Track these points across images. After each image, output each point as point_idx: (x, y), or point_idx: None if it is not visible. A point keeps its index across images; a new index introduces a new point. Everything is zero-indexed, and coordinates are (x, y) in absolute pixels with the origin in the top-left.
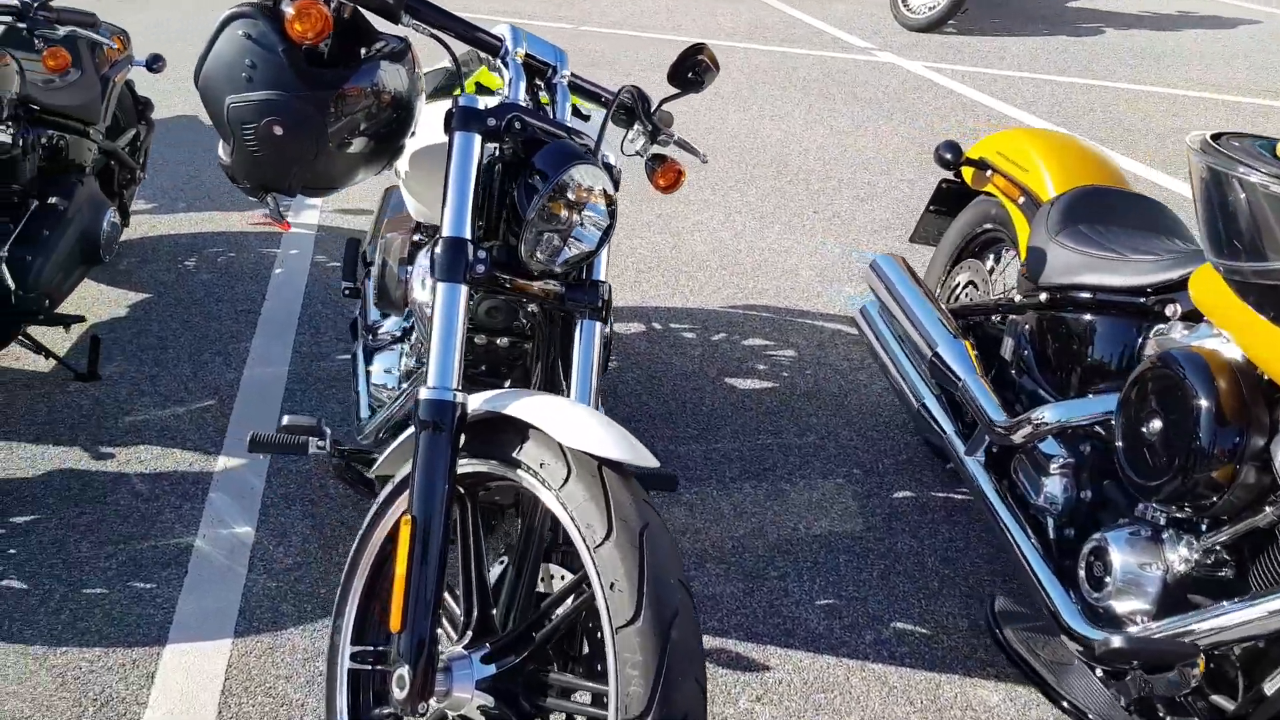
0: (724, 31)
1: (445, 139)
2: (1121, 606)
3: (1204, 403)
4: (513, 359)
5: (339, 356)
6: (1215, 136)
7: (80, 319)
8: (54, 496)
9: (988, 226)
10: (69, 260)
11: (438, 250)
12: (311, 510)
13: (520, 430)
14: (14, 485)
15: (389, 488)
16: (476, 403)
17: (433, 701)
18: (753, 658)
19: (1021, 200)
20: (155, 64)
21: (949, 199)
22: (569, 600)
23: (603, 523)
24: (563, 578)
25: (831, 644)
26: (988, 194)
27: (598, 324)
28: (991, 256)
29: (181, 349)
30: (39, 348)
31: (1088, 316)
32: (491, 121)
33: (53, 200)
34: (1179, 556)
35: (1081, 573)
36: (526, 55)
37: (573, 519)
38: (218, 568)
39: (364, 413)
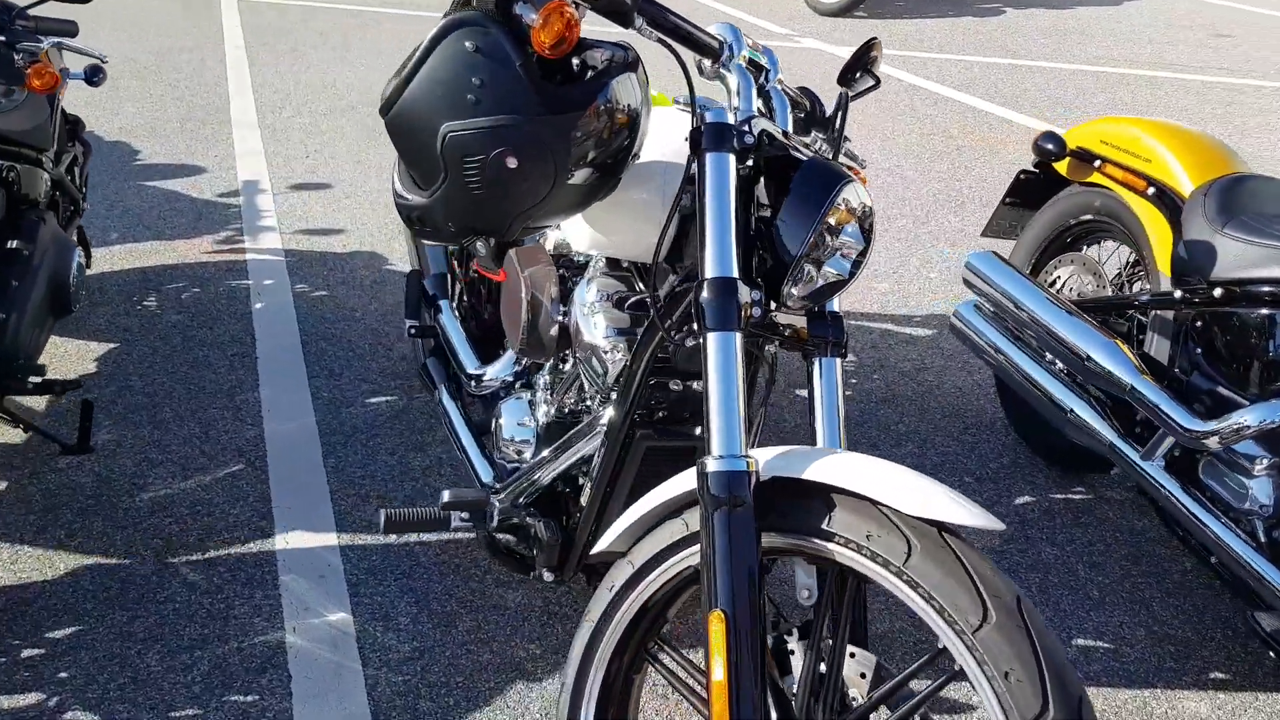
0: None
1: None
2: None
3: None
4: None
5: (369, 401)
6: None
7: (76, 384)
8: (91, 601)
9: (1087, 219)
10: (41, 313)
11: (705, 295)
12: (409, 585)
13: (822, 496)
14: (36, 592)
15: (624, 574)
16: (761, 465)
17: None
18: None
19: (1150, 191)
20: (95, 77)
21: (1027, 190)
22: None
23: (974, 602)
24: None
25: None
26: (1090, 185)
27: (838, 360)
28: (1090, 249)
29: (179, 406)
30: (17, 420)
31: (1273, 311)
32: (748, 139)
33: (15, 244)
34: None
35: None
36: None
37: (931, 599)
38: (326, 666)
39: (485, 476)
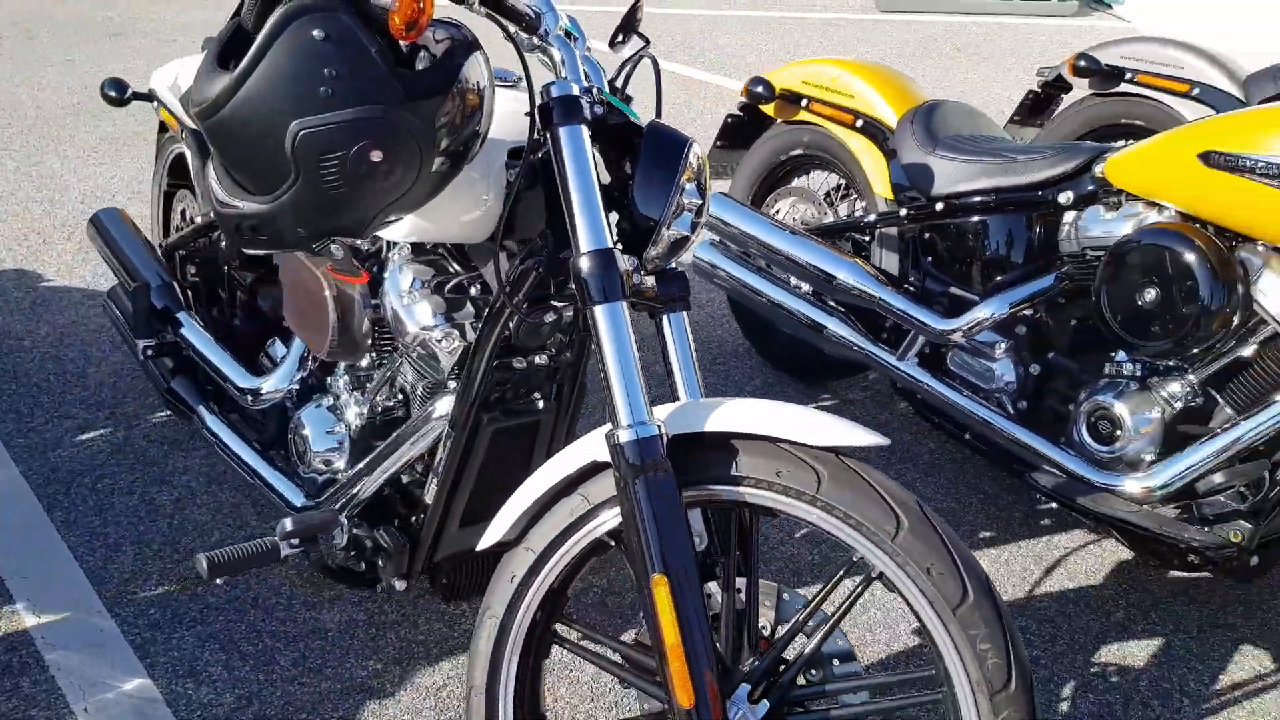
0: None
1: None
2: (1135, 450)
3: (1197, 267)
4: (548, 377)
5: (80, 439)
6: None
7: None
8: None
9: (797, 153)
10: None
11: (585, 269)
12: (205, 631)
13: (725, 444)
14: None
15: (524, 562)
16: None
17: None
18: None
19: (859, 124)
20: None
21: (734, 133)
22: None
23: (887, 514)
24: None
25: None
26: (796, 122)
27: (685, 313)
28: (800, 180)
29: None
30: None
31: (985, 217)
32: (597, 110)
33: None
34: (1172, 395)
35: (1084, 433)
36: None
37: (848, 518)
38: None
39: (293, 496)
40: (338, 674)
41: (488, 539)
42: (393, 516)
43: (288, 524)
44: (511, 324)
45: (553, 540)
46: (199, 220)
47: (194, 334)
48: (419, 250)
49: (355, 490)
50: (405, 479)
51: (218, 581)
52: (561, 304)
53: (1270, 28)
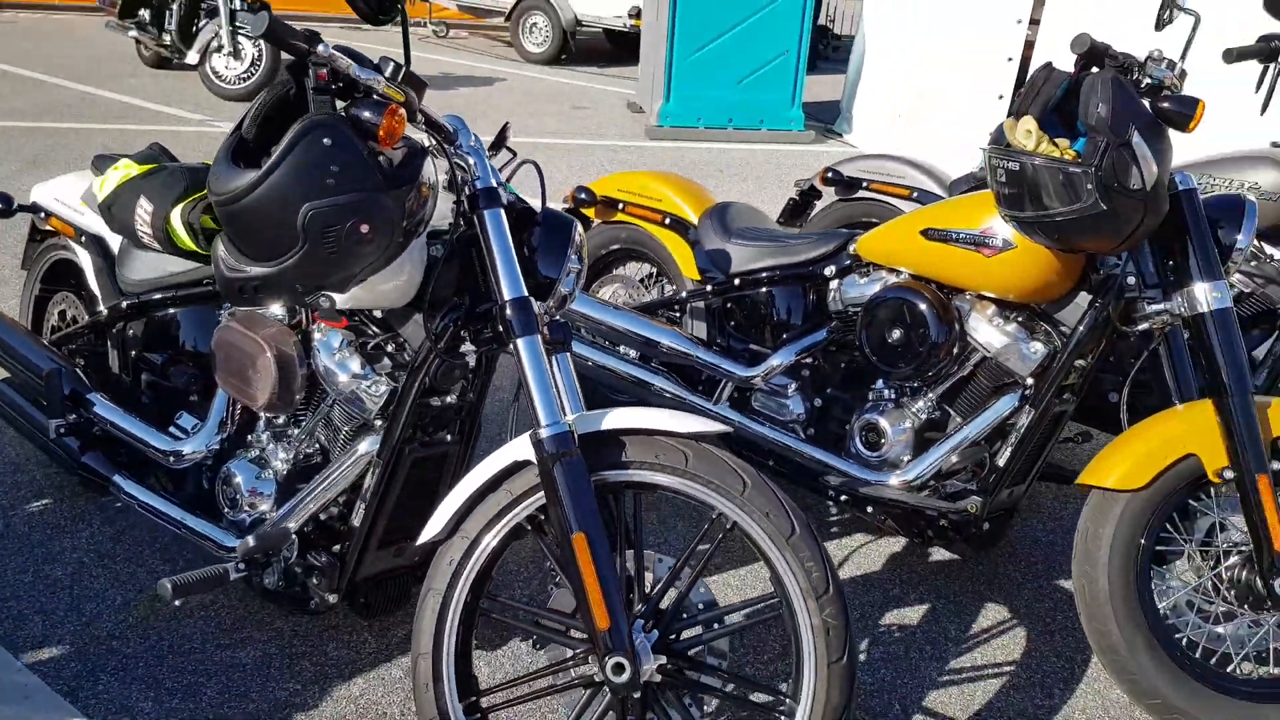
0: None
1: None
2: (895, 453)
3: (926, 313)
4: (455, 414)
5: (31, 508)
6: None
7: None
8: None
9: (616, 247)
10: None
11: (509, 312)
12: (130, 675)
13: (614, 439)
14: None
15: (460, 547)
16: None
17: (644, 673)
18: None
19: (667, 221)
20: None
21: None
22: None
23: (736, 478)
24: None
25: None
26: (615, 222)
27: (569, 354)
28: (621, 268)
29: None
30: None
31: (771, 289)
32: (509, 199)
33: None
34: (918, 409)
35: (858, 445)
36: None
37: (710, 483)
38: None
39: (226, 540)
40: (262, 696)
41: (428, 533)
42: (318, 545)
43: (250, 541)
44: (431, 370)
45: (483, 527)
46: (86, 319)
47: (108, 410)
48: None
49: (288, 524)
50: (323, 516)
51: (176, 603)
52: (473, 350)
53: (957, 144)
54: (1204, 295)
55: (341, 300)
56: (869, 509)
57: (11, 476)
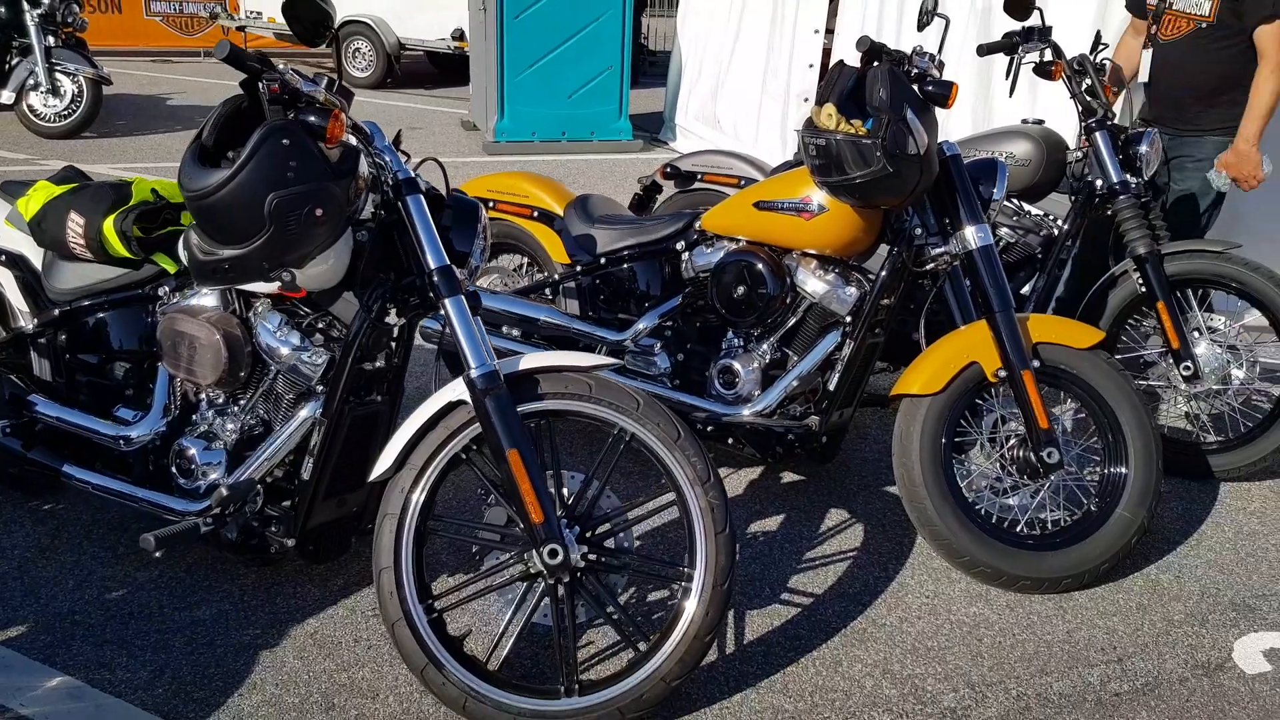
0: None
1: None
2: (747, 389)
3: (764, 271)
4: (383, 377)
5: None
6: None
7: None
8: None
9: (491, 241)
10: None
11: (437, 278)
12: (101, 638)
13: (530, 378)
14: None
15: (409, 476)
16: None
17: (573, 558)
18: None
19: (535, 214)
20: None
21: None
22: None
23: (631, 399)
24: None
25: None
26: (492, 219)
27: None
28: (495, 260)
29: None
30: None
31: (633, 265)
32: (424, 185)
33: None
34: (763, 352)
35: (718, 386)
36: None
37: (611, 404)
38: (80, 712)
39: (185, 507)
40: (226, 641)
41: (379, 468)
42: (272, 500)
43: (223, 491)
44: (364, 338)
45: (426, 459)
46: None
47: (52, 408)
48: (276, 300)
49: (253, 476)
50: (270, 479)
51: (157, 555)
52: (398, 321)
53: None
54: (972, 236)
55: (274, 286)
56: (730, 439)
57: None
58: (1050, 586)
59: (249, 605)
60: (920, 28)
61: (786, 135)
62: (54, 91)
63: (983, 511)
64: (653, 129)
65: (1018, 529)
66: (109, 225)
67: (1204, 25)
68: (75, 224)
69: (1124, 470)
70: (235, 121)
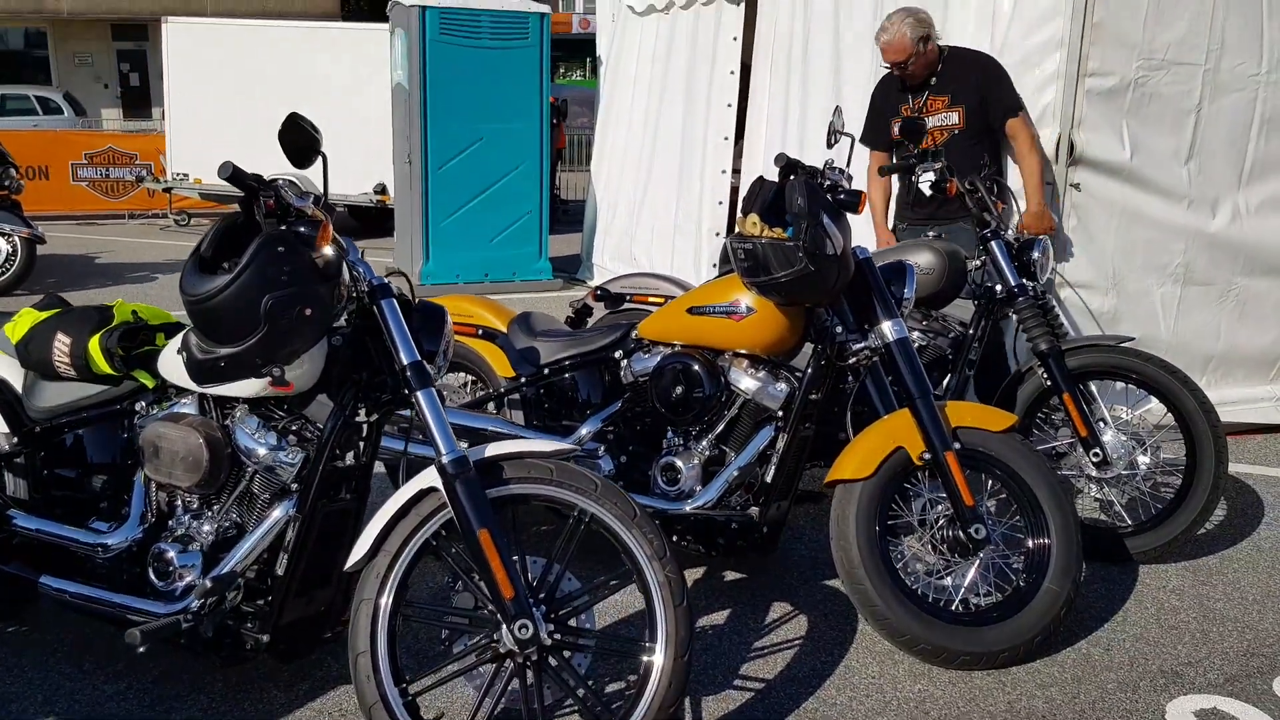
0: None
1: None
2: (688, 485)
3: (700, 372)
4: (352, 475)
5: None
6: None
7: None
8: None
9: None
10: None
11: (410, 373)
12: None
13: (495, 464)
14: None
15: (383, 562)
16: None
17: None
18: None
19: (480, 332)
20: None
21: None
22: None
23: (589, 481)
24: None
25: None
26: None
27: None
28: (445, 379)
29: None
30: None
31: (575, 374)
32: (396, 291)
33: None
34: (702, 449)
35: (660, 483)
36: None
37: (573, 486)
38: None
39: (163, 609)
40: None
41: (354, 558)
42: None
43: (206, 584)
44: (338, 436)
45: (400, 544)
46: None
47: (30, 521)
48: (253, 405)
49: (234, 570)
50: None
51: (140, 650)
52: (367, 420)
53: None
54: (889, 330)
55: (253, 390)
56: (674, 535)
57: None
58: (989, 661)
59: (218, 712)
60: (829, 145)
61: (700, 268)
62: None
63: (919, 591)
64: (571, 269)
65: (952, 607)
66: (94, 344)
67: (957, 133)
68: (62, 344)
69: (1047, 541)
70: (231, 236)
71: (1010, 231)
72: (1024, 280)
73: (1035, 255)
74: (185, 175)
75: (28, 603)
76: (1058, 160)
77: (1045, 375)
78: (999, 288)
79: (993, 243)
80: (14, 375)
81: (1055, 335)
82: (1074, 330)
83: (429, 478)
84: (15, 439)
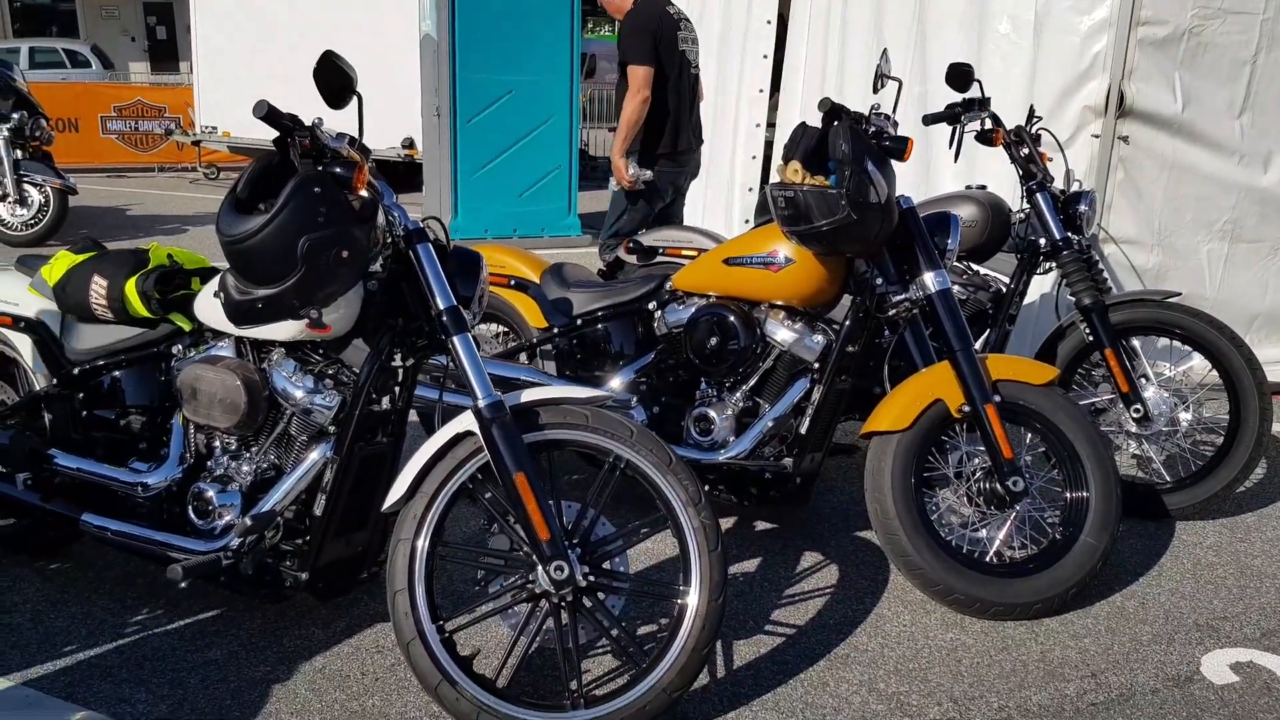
0: None
1: None
2: (721, 436)
3: (735, 323)
4: (387, 419)
5: None
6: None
7: None
8: None
9: None
10: None
11: (446, 318)
12: (108, 680)
13: (531, 410)
14: None
15: (420, 504)
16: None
17: (576, 576)
18: None
19: (512, 283)
20: None
21: None
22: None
23: (625, 428)
24: None
25: None
26: None
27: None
28: (478, 329)
29: None
30: None
31: (608, 324)
32: (432, 236)
33: None
34: (735, 400)
35: (694, 434)
36: None
37: (608, 432)
38: None
39: (204, 547)
40: (239, 677)
41: (392, 496)
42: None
43: (246, 522)
44: (373, 380)
45: (437, 487)
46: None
47: (71, 460)
48: (290, 348)
49: (261, 522)
50: (284, 516)
51: (182, 585)
52: (402, 365)
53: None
54: (930, 281)
55: (290, 333)
56: (706, 483)
57: None
58: (1022, 612)
59: (257, 646)
60: (875, 89)
61: (732, 223)
62: (21, 202)
63: (954, 543)
64: (599, 226)
65: (987, 559)
66: (130, 287)
67: None
68: (99, 286)
69: (1085, 495)
70: (266, 177)
71: (1056, 183)
72: (1069, 233)
73: (1082, 208)
74: (214, 128)
75: (70, 541)
76: (1106, 112)
77: (1088, 330)
78: (1043, 241)
79: (1038, 195)
80: (51, 318)
81: (1099, 290)
82: (1117, 286)
83: (465, 421)
84: (54, 380)
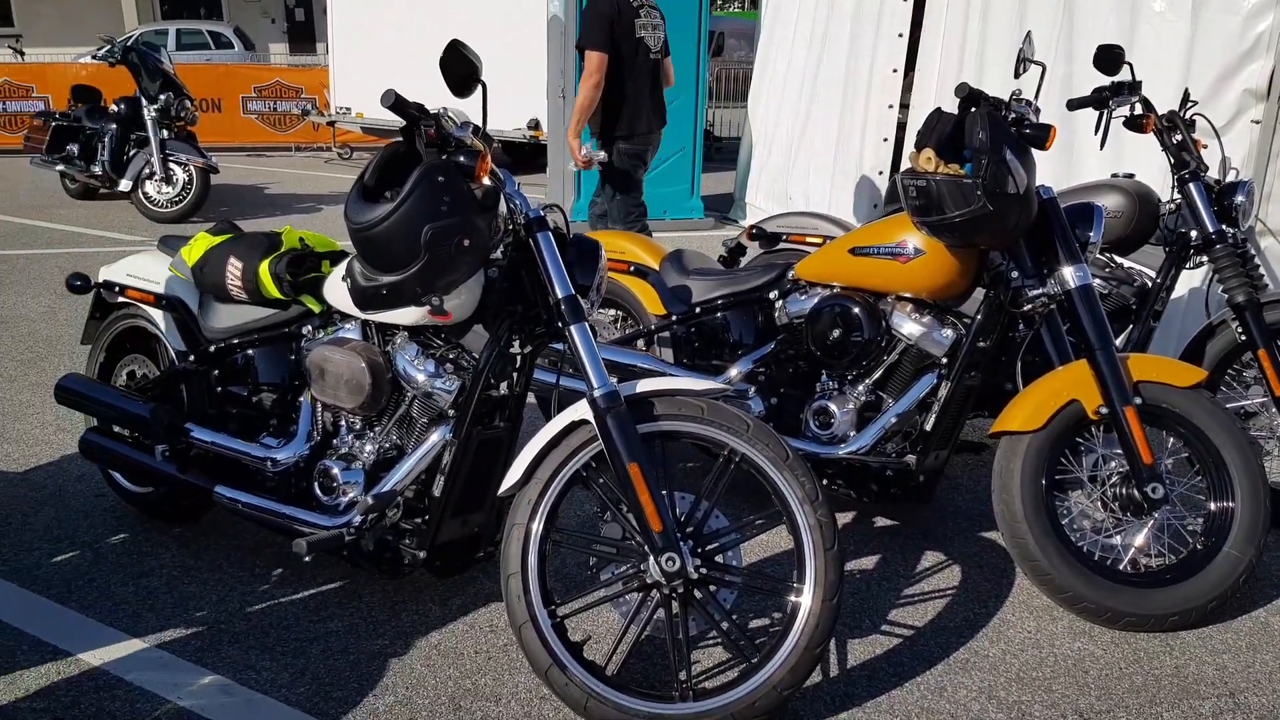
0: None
1: None
2: (843, 430)
3: (860, 315)
4: (505, 404)
5: (56, 560)
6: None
7: None
8: None
9: None
10: None
11: (564, 307)
12: (235, 646)
13: (646, 401)
14: None
15: (535, 489)
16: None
17: (688, 568)
18: None
19: (632, 269)
20: None
21: None
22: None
23: (741, 421)
24: None
25: None
26: None
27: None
28: (595, 315)
29: None
30: None
31: (726, 313)
32: (555, 224)
33: None
34: (858, 394)
35: (813, 427)
36: None
37: (723, 425)
38: (234, 706)
39: (327, 522)
40: (359, 650)
41: (507, 482)
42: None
43: (368, 500)
44: (492, 365)
45: (551, 473)
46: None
47: (207, 434)
48: (413, 332)
49: (395, 489)
50: (405, 496)
51: (307, 559)
52: (520, 352)
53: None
54: (1070, 275)
55: (412, 318)
56: (825, 479)
57: (85, 520)
58: (1156, 624)
59: (376, 620)
60: (1017, 74)
61: (861, 208)
62: (167, 180)
63: (1085, 549)
64: (722, 209)
65: (1120, 567)
66: (264, 269)
67: None
68: (234, 268)
69: (1231, 504)
70: (393, 164)
71: (1211, 172)
72: (1223, 226)
73: (1239, 200)
74: (348, 109)
75: (204, 510)
76: (1269, 96)
77: (1239, 329)
78: (1194, 234)
79: (1191, 185)
80: (190, 297)
81: (1254, 286)
82: (1275, 282)
83: (581, 410)
84: (192, 357)
